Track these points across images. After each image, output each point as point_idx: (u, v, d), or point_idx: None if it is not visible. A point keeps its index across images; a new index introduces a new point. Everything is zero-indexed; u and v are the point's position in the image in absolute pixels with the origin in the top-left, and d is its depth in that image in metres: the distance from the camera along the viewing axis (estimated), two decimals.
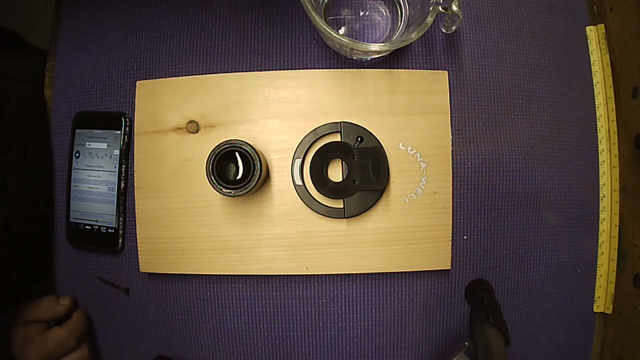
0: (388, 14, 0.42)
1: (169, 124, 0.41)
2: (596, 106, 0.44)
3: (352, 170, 0.39)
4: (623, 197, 0.43)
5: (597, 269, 0.44)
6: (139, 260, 0.42)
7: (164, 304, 0.43)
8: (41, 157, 0.44)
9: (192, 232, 0.41)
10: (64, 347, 0.40)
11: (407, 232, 0.40)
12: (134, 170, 0.41)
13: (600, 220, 0.44)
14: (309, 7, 0.33)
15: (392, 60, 0.42)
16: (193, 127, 0.41)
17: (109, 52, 0.44)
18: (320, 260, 0.40)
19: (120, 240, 0.43)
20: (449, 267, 0.41)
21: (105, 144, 0.43)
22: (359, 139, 0.40)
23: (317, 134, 0.40)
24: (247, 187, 0.35)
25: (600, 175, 0.44)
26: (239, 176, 0.35)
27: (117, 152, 0.42)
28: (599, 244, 0.44)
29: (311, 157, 0.39)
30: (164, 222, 0.41)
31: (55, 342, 0.39)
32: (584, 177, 0.44)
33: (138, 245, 0.42)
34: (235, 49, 0.43)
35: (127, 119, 0.43)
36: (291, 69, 0.42)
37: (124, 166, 0.42)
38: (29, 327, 0.40)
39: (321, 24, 0.33)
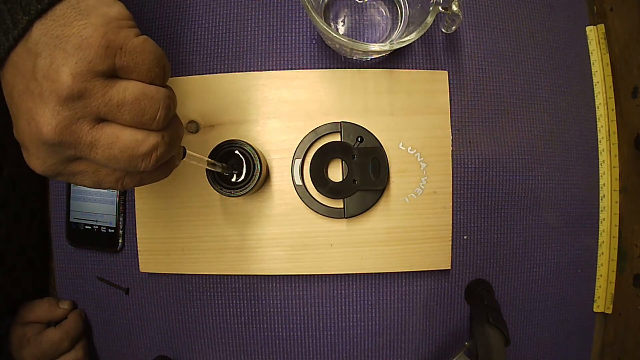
0: (388, 14, 0.42)
1: None
2: (596, 106, 0.44)
3: (352, 170, 0.39)
4: (623, 197, 0.43)
5: (597, 269, 0.44)
6: (139, 260, 0.42)
7: (164, 304, 0.43)
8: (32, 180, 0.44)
9: (192, 232, 0.41)
10: (58, 347, 0.40)
11: (407, 232, 0.40)
12: None
13: (600, 220, 0.44)
14: (309, 7, 0.33)
15: (392, 60, 0.42)
16: (193, 127, 0.41)
17: None
18: (320, 260, 0.40)
19: (120, 240, 0.43)
20: (449, 267, 0.41)
21: None
22: (359, 139, 0.40)
23: (317, 134, 0.40)
24: (247, 187, 0.35)
25: (600, 175, 0.44)
26: (240, 177, 0.35)
27: None
28: (599, 244, 0.44)
29: (311, 157, 0.39)
30: (164, 222, 0.41)
31: (49, 342, 0.39)
32: (584, 177, 0.44)
33: (138, 245, 0.41)
34: (235, 49, 0.43)
35: None
36: (291, 69, 0.42)
37: None
38: (26, 327, 0.40)
39: (321, 24, 0.33)
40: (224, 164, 0.34)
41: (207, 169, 0.34)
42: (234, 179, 0.35)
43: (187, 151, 0.28)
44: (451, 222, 0.41)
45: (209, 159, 0.32)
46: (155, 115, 0.22)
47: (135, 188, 0.41)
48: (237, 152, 0.35)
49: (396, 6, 0.41)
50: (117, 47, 0.20)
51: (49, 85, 0.19)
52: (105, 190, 0.42)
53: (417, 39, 0.36)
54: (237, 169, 0.35)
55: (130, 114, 0.21)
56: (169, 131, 0.23)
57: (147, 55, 0.22)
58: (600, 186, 0.44)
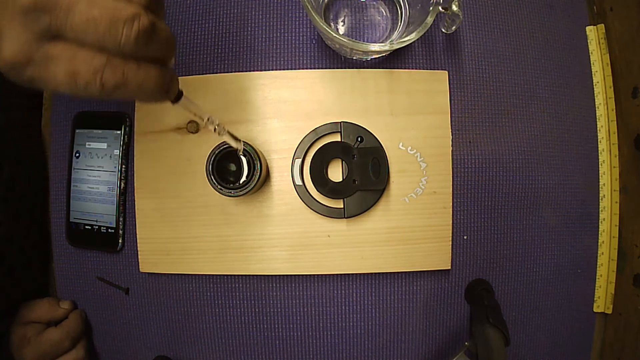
0: (388, 14, 0.42)
1: (169, 124, 0.41)
2: (596, 106, 0.44)
3: (352, 170, 0.39)
4: (623, 197, 0.43)
5: (597, 269, 0.44)
6: (139, 260, 0.42)
7: (164, 304, 0.43)
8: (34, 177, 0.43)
9: (192, 232, 0.41)
10: (59, 347, 0.40)
11: (407, 232, 0.40)
12: (134, 170, 0.41)
13: (600, 220, 0.44)
14: (309, 7, 0.33)
15: (392, 60, 0.42)
16: (193, 127, 0.41)
17: None
18: (320, 260, 0.40)
19: (120, 240, 0.43)
20: (449, 267, 0.41)
21: (106, 144, 0.43)
22: (359, 139, 0.40)
23: (317, 134, 0.40)
24: (247, 187, 0.35)
25: (600, 175, 0.44)
26: (241, 177, 0.35)
27: (117, 152, 0.42)
28: (599, 244, 0.44)
29: (311, 157, 0.39)
30: (164, 222, 0.41)
31: (49, 342, 0.39)
32: (584, 177, 0.44)
33: (138, 245, 0.41)
34: (235, 49, 0.43)
35: (128, 119, 0.43)
36: (291, 69, 0.42)
37: (124, 166, 0.42)
38: (27, 327, 0.40)
39: (321, 24, 0.33)
40: (244, 141, 0.31)
41: (207, 169, 0.34)
42: (233, 179, 0.35)
43: (184, 95, 0.26)
44: (451, 222, 0.41)
45: (229, 132, 0.29)
46: None
47: (135, 188, 0.41)
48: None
49: (396, 6, 0.41)
50: None
51: None
52: (106, 190, 0.42)
53: (417, 39, 0.36)
54: (237, 169, 0.35)
55: None
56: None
57: None
58: (600, 186, 0.44)
